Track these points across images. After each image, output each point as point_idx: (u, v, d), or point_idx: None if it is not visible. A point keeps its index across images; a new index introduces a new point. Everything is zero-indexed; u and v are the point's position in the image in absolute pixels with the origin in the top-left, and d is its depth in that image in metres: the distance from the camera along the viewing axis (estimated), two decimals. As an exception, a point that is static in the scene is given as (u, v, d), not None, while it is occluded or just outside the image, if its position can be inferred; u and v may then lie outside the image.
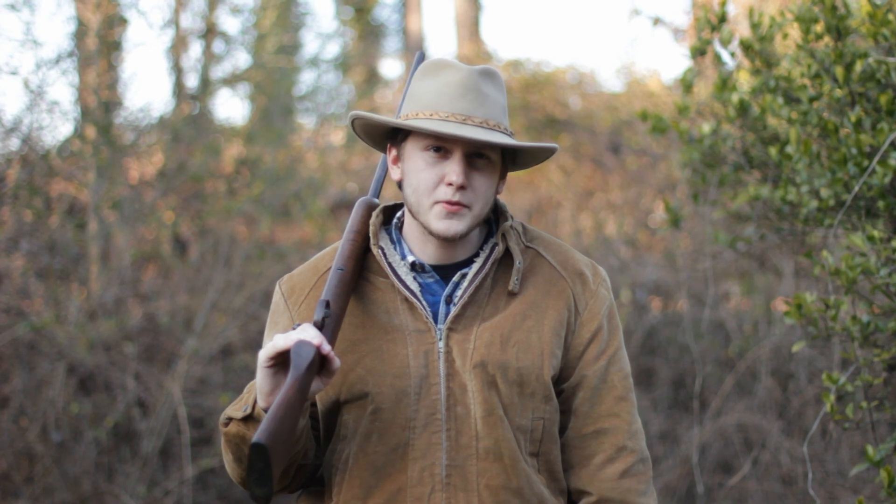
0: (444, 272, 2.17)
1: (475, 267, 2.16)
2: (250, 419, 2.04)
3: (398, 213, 2.25)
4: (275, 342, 1.96)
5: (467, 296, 2.13)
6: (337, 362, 1.98)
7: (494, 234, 2.22)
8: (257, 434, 1.85)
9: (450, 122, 2.06)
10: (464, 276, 2.15)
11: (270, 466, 1.84)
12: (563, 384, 2.18)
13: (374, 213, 2.20)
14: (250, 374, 5.68)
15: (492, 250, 2.18)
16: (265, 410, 2.00)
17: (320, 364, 1.97)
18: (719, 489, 5.27)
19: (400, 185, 2.17)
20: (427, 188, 2.09)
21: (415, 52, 13.62)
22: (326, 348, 1.96)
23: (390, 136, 2.19)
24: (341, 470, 2.14)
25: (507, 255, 2.19)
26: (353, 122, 2.16)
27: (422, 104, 2.10)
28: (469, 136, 2.03)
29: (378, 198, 2.27)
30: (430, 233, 2.11)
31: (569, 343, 2.18)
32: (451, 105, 2.07)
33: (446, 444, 2.09)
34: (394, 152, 2.18)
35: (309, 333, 1.96)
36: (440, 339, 2.12)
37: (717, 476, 5.40)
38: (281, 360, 1.98)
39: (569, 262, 2.23)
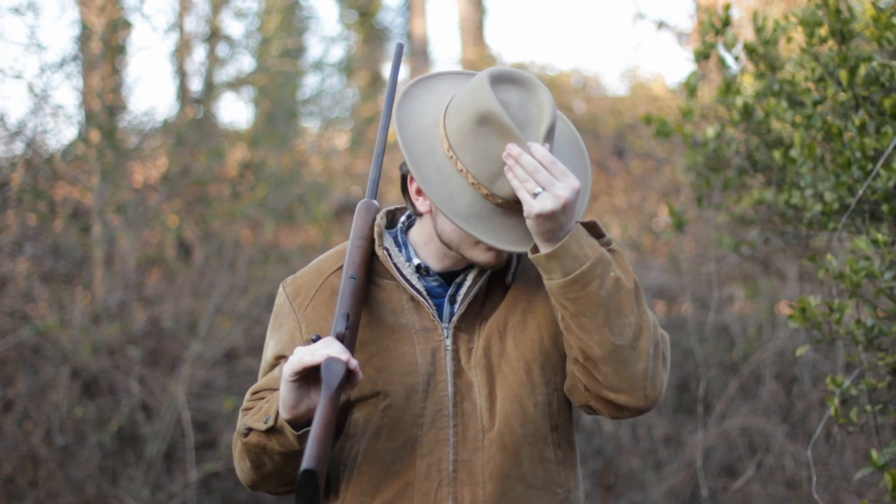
0: (447, 276, 2.20)
1: (476, 269, 2.19)
2: (273, 430, 2.05)
3: (402, 218, 2.26)
4: (301, 357, 1.96)
5: (472, 294, 2.16)
6: (360, 375, 1.99)
7: None
8: (306, 460, 1.87)
9: (499, 209, 2.04)
10: (465, 276, 2.18)
11: (319, 489, 1.87)
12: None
13: (379, 216, 2.21)
14: (254, 377, 5.68)
15: None
16: (288, 422, 2.01)
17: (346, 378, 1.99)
18: (723, 493, 5.27)
19: (420, 208, 2.17)
20: (468, 245, 2.12)
21: (419, 56, 13.65)
22: (354, 363, 1.96)
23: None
24: (350, 467, 2.16)
25: None
26: (403, 171, 2.15)
27: (468, 164, 2.04)
28: (523, 250, 2.05)
29: (376, 197, 2.26)
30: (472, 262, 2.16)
31: None
32: (500, 186, 2.03)
33: (453, 440, 2.11)
34: (415, 185, 2.15)
35: (335, 349, 1.96)
36: (447, 338, 2.15)
37: (722, 480, 5.40)
38: (306, 374, 1.98)
39: None
